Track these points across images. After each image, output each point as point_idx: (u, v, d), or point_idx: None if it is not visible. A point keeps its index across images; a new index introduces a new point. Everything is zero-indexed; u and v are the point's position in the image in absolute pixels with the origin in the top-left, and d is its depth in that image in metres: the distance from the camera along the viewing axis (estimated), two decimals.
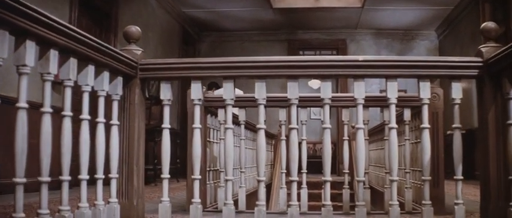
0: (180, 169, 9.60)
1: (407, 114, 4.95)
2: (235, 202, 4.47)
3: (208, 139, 5.28)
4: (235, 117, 5.25)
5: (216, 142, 5.52)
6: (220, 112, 5.14)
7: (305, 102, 4.92)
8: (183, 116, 12.09)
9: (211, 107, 5.14)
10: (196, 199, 3.26)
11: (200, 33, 15.14)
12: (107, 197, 3.15)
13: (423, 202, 3.19)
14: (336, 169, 13.63)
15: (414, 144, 5.22)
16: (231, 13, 13.42)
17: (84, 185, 2.84)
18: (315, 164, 10.19)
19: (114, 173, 3.17)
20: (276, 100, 4.94)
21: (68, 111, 2.67)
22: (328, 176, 3.17)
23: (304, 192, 4.86)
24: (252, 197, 5.82)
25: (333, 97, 3.33)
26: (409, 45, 14.72)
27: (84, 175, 2.83)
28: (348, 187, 5.00)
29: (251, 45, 14.93)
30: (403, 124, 4.97)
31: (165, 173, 3.33)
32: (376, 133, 7.70)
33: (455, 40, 12.66)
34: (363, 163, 3.20)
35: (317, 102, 4.90)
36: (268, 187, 9.16)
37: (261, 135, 3.23)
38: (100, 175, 3.01)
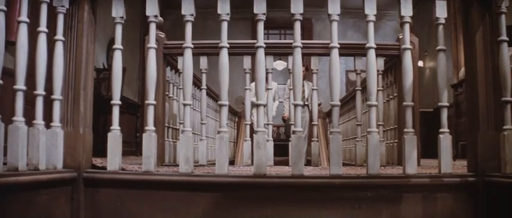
0: (141, 143, 9.26)
1: (380, 63, 4.68)
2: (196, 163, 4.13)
3: (166, 93, 4.94)
4: (196, 79, 4.94)
5: (176, 100, 5.17)
6: (180, 60, 4.78)
7: (271, 49, 4.61)
8: (144, 90, 11.69)
9: (169, 55, 4.79)
10: (150, 127, 2.90)
11: (162, 11, 14.69)
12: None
13: (405, 130, 2.87)
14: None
15: (387, 103, 4.97)
16: None
17: (20, 97, 2.46)
18: (279, 148, 9.97)
19: (57, 95, 2.78)
20: (242, 46, 4.64)
21: (2, 5, 2.31)
22: (299, 99, 2.84)
23: (270, 144, 4.53)
24: (212, 166, 5.56)
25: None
26: (377, 25, 14.27)
27: (20, 85, 2.46)
28: (316, 140, 4.69)
29: (214, 23, 14.42)
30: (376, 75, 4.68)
31: (116, 100, 2.96)
32: (343, 106, 7.48)
33: (424, 20, 12.46)
34: (338, 85, 2.86)
35: (285, 48, 4.63)
36: (231, 163, 8.83)
37: (224, 53, 2.88)
38: (40, 91, 2.63)
